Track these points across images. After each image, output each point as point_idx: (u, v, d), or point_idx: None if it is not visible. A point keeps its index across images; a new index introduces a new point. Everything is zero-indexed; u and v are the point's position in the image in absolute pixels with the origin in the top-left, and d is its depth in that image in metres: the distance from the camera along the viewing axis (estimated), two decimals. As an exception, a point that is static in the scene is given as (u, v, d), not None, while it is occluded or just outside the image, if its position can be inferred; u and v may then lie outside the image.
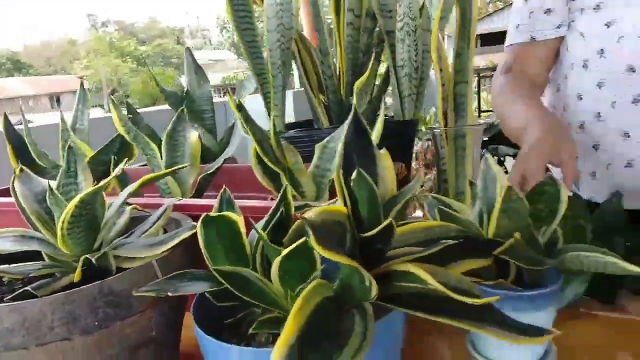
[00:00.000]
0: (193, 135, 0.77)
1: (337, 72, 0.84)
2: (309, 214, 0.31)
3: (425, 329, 0.56)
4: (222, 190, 0.47)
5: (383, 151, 0.43)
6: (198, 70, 1.06)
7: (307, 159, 0.67)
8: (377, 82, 0.85)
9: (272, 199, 0.69)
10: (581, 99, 0.83)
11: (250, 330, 0.39)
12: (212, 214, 0.39)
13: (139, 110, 1.05)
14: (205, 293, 0.41)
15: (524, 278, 0.49)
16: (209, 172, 0.72)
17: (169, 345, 0.52)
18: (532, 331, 0.36)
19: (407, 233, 0.42)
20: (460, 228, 0.44)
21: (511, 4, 0.94)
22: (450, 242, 0.37)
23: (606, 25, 0.78)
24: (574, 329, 0.55)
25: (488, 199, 0.48)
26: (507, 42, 0.92)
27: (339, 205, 0.35)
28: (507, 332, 0.36)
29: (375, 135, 0.61)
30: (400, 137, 0.77)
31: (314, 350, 0.32)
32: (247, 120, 0.56)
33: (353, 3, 0.76)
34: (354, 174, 0.36)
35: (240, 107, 0.55)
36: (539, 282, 0.49)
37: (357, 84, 0.69)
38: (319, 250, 0.29)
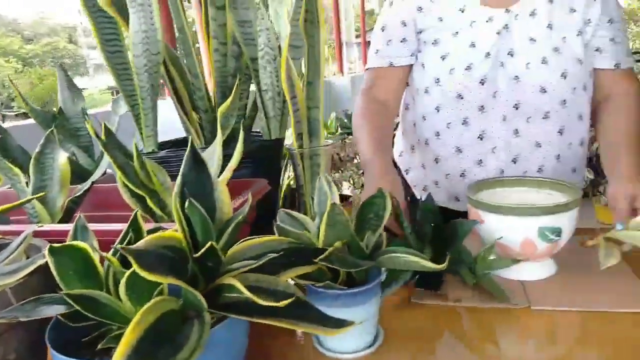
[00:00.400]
0: (62, 157, 0.78)
1: (210, 93, 0.89)
2: (139, 244, 0.36)
3: (275, 332, 0.64)
4: (77, 218, 0.51)
5: (220, 179, 0.50)
6: (72, 88, 1.05)
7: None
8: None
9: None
10: (425, 119, 0.97)
11: (100, 346, 0.43)
12: (57, 245, 0.42)
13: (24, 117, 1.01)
14: (58, 316, 0.45)
15: (354, 277, 0.58)
16: (77, 195, 0.74)
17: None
18: (337, 323, 0.44)
19: (246, 248, 0.49)
20: (292, 240, 0.52)
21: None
22: (274, 255, 0.45)
23: (441, 58, 0.92)
24: (402, 315, 0.66)
25: (321, 213, 0.57)
26: (367, 66, 1.03)
27: (174, 232, 0.41)
28: (319, 326, 0.44)
29: (235, 156, 0.67)
30: (266, 155, 0.85)
31: (151, 356, 0.37)
32: (106, 147, 0.60)
33: (217, 31, 0.82)
34: (186, 203, 0.42)
35: (97, 135, 0.59)
36: (366, 280, 0.58)
37: (221, 109, 0.75)
38: (140, 274, 0.35)
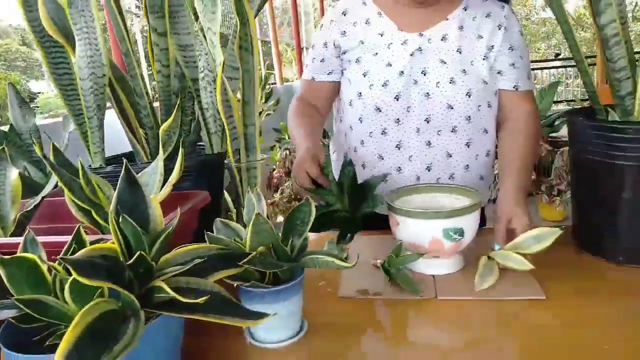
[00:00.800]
0: (13, 174, 0.83)
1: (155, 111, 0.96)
2: (77, 255, 0.43)
3: (211, 331, 0.71)
4: (26, 232, 0.57)
5: (161, 193, 0.58)
6: (22, 104, 1.09)
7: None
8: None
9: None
10: (352, 128, 1.08)
11: (47, 343, 0.50)
12: (7, 257, 0.49)
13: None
14: (9, 319, 0.51)
15: (280, 277, 0.67)
16: (28, 209, 0.79)
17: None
18: (257, 315, 0.53)
19: (177, 255, 0.57)
20: (221, 247, 0.60)
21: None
22: (200, 260, 0.53)
23: (363, 74, 1.03)
24: (327, 309, 0.75)
25: (249, 222, 0.65)
26: (303, 76, 1.14)
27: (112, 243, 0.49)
28: (240, 318, 0.52)
29: (175, 172, 0.75)
30: (209, 168, 0.92)
31: (89, 349, 0.45)
32: (53, 167, 0.66)
33: (160, 55, 0.89)
34: (120, 218, 0.50)
35: (44, 156, 0.65)
36: (292, 278, 0.67)
37: (163, 127, 0.82)
38: (78, 279, 0.42)
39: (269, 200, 3.49)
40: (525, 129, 1.01)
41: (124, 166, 0.57)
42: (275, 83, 6.72)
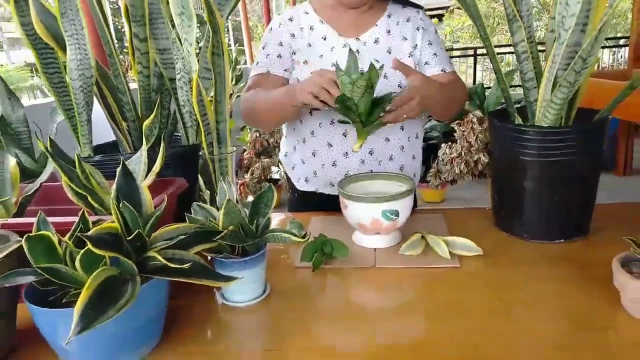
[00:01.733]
0: (12, 162, 0.94)
1: (137, 106, 1.08)
2: (91, 232, 0.58)
3: (190, 293, 0.86)
4: (39, 214, 0.70)
5: (145, 181, 0.72)
6: (11, 96, 1.19)
7: (112, 176, 0.91)
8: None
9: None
10: (302, 122, 1.23)
11: (64, 300, 0.64)
12: (32, 234, 0.63)
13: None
14: (32, 282, 0.65)
15: (247, 250, 0.82)
16: (28, 193, 0.91)
17: (11, 317, 0.73)
18: (227, 279, 0.68)
19: (165, 232, 0.72)
20: (198, 225, 0.75)
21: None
22: (183, 236, 0.68)
23: (311, 73, 1.17)
24: (286, 277, 0.92)
25: (221, 206, 0.80)
26: (250, 74, 1.27)
27: (113, 223, 0.63)
28: (213, 279, 0.68)
29: (158, 162, 0.88)
30: (185, 158, 1.06)
31: (99, 304, 0.59)
32: (55, 159, 0.79)
33: (141, 58, 1.01)
34: (121, 204, 0.64)
35: (47, 149, 0.78)
36: (257, 251, 0.82)
37: (145, 123, 0.95)
38: (94, 250, 0.56)
39: (239, 181, 3.62)
40: (453, 81, 1.22)
41: (120, 162, 0.71)
42: (245, 62, 6.74)
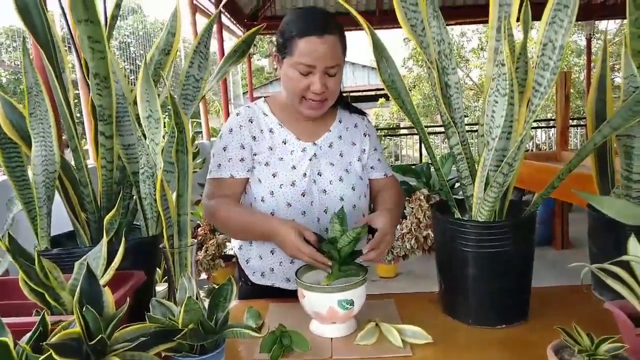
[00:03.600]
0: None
1: (97, 197, 1.11)
2: (55, 339, 0.59)
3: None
4: (-5, 318, 0.70)
5: (104, 277, 0.74)
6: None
7: (70, 269, 0.91)
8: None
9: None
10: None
11: (17, 411, 0.63)
12: (-10, 342, 0.62)
13: None
14: (-17, 392, 0.64)
15: (206, 346, 0.83)
16: (-21, 290, 0.90)
17: None
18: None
19: (125, 333, 0.73)
20: (158, 325, 0.77)
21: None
22: (144, 338, 0.69)
23: (273, 175, 1.25)
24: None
25: (181, 303, 0.82)
26: (209, 176, 1.30)
27: (75, 328, 0.64)
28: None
29: (117, 258, 0.90)
30: (145, 249, 1.08)
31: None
32: (15, 259, 0.79)
33: (105, 153, 1.06)
34: (84, 308, 0.65)
35: (7, 247, 0.79)
36: (216, 347, 0.84)
37: (107, 218, 0.97)
38: (57, 358, 0.57)
39: (192, 258, 3.55)
40: (392, 189, 1.37)
41: (85, 267, 0.73)
42: (201, 132, 6.82)
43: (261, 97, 1.43)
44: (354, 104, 1.45)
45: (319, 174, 1.27)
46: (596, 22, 9.29)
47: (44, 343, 0.58)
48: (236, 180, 1.28)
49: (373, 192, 1.40)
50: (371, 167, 1.38)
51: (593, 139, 0.98)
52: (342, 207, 1.13)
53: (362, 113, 1.43)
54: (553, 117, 9.91)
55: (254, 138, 1.29)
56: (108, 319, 0.71)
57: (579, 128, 9.78)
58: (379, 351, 0.96)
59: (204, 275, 3.66)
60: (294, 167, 1.25)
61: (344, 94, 1.42)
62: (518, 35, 0.98)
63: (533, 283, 1.10)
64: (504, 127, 0.96)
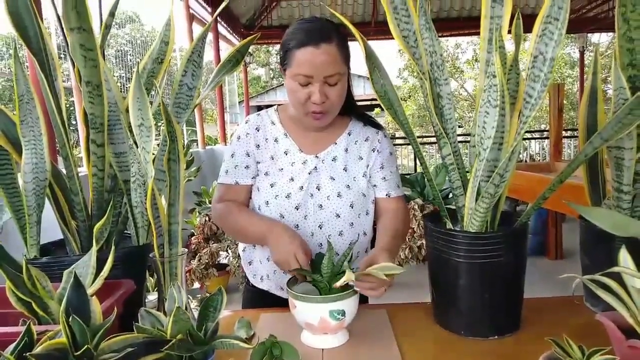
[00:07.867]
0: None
1: (88, 205, 1.10)
2: (40, 350, 0.58)
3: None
4: (-20, 328, 0.69)
5: (93, 287, 0.73)
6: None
7: (59, 278, 0.90)
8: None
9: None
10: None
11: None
12: (-26, 352, 0.61)
13: None
14: (-35, 404, 0.62)
15: (194, 357, 0.82)
16: (-35, 299, 0.88)
17: None
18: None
19: (112, 343, 0.72)
20: (146, 335, 0.76)
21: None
22: (131, 349, 0.68)
23: (270, 185, 1.25)
24: (233, 382, 0.91)
25: (170, 312, 0.81)
26: (218, 180, 1.32)
27: (60, 338, 0.63)
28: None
29: (106, 268, 0.89)
30: (134, 258, 1.07)
31: None
32: (1, 265, 0.78)
33: (97, 161, 1.05)
34: (70, 318, 0.64)
35: (-3, 260, 0.78)
36: (205, 358, 0.83)
37: (97, 226, 0.97)
38: (41, 371, 0.56)
39: (186, 267, 3.53)
40: (394, 218, 1.28)
41: (73, 276, 0.72)
42: (196, 140, 6.83)
43: (274, 104, 1.43)
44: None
45: (318, 187, 1.25)
46: (588, 34, 9.41)
47: (28, 354, 0.57)
48: (241, 187, 1.30)
49: (377, 212, 1.34)
50: (374, 185, 1.32)
51: (584, 150, 0.99)
52: (331, 246, 1.08)
53: (378, 126, 1.36)
54: (547, 128, 9.99)
55: (258, 146, 1.30)
56: (95, 329, 0.70)
57: (572, 139, 9.85)
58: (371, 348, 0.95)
59: (197, 284, 3.64)
60: (291, 179, 1.25)
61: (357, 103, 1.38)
62: (510, 47, 0.98)
63: (527, 293, 1.10)
64: (495, 137, 0.96)
